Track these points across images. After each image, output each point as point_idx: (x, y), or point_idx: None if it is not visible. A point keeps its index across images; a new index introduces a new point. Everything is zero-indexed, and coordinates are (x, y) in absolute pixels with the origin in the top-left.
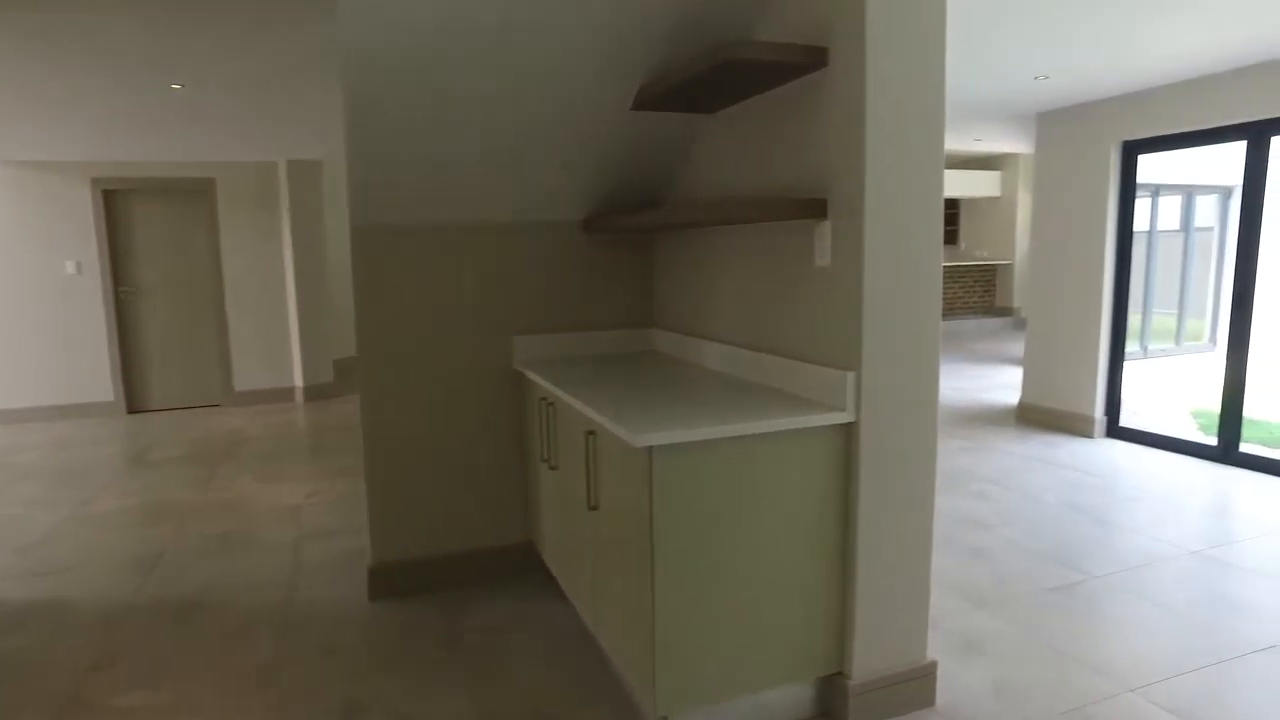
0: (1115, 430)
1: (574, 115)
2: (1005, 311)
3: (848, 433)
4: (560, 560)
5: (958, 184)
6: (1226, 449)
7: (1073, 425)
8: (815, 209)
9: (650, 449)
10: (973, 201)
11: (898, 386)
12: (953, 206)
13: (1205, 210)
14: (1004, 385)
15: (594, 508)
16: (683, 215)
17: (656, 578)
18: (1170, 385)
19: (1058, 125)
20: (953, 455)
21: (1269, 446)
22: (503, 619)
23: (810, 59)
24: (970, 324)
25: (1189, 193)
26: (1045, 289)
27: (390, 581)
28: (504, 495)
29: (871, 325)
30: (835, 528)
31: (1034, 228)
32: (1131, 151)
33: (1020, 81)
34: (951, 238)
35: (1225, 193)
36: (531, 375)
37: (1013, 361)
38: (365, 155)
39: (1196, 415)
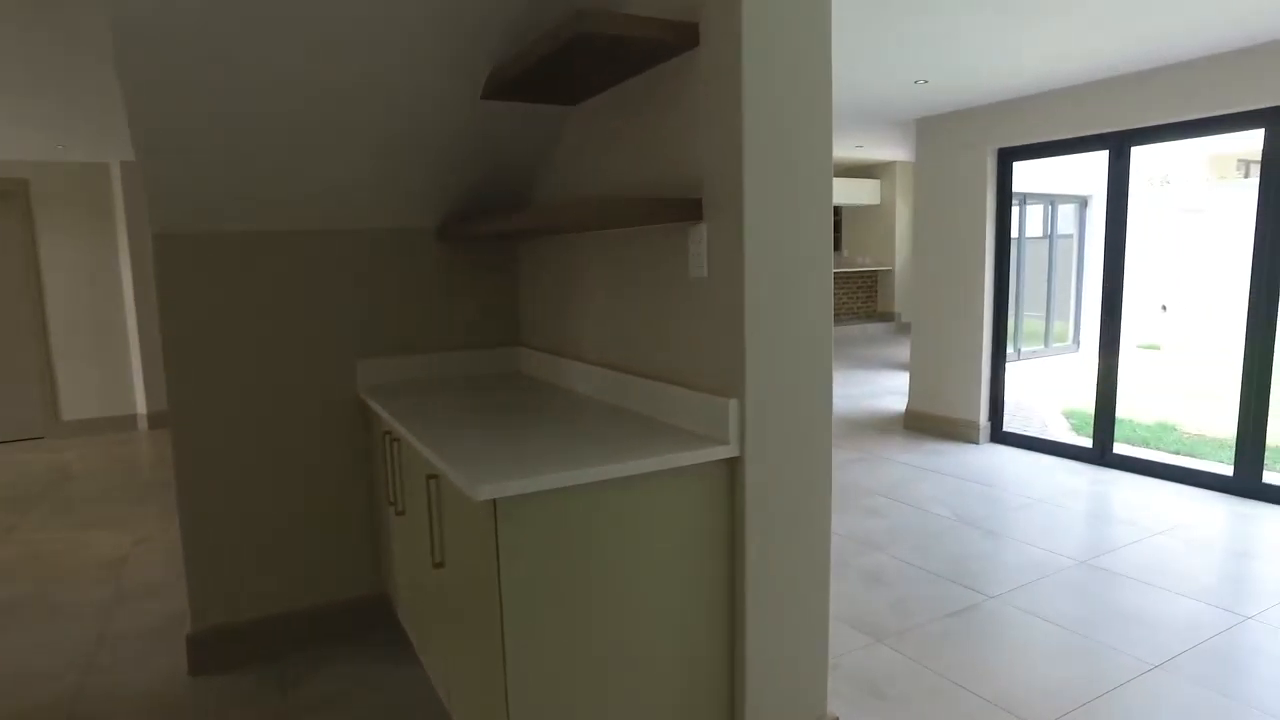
0: (999, 435)
1: (412, 105)
2: (887, 316)
3: (731, 469)
4: (412, 618)
5: (840, 192)
6: (1102, 451)
7: (958, 431)
8: (688, 211)
9: (495, 502)
10: (854, 209)
11: (787, 413)
12: (836, 214)
13: (1066, 218)
14: (890, 391)
15: (439, 565)
16: (535, 220)
17: (508, 648)
18: (1043, 386)
19: (936, 131)
20: (843, 468)
21: (1135, 445)
22: (348, 685)
23: (678, 37)
24: (855, 329)
25: (1051, 201)
26: (928, 296)
27: (216, 651)
28: (352, 542)
29: (755, 345)
30: (720, 579)
31: (915, 234)
32: (1007, 159)
33: (900, 85)
34: (835, 244)
35: (1082, 202)
36: (374, 405)
37: (897, 366)
38: (154, 149)
39: (1069, 416)
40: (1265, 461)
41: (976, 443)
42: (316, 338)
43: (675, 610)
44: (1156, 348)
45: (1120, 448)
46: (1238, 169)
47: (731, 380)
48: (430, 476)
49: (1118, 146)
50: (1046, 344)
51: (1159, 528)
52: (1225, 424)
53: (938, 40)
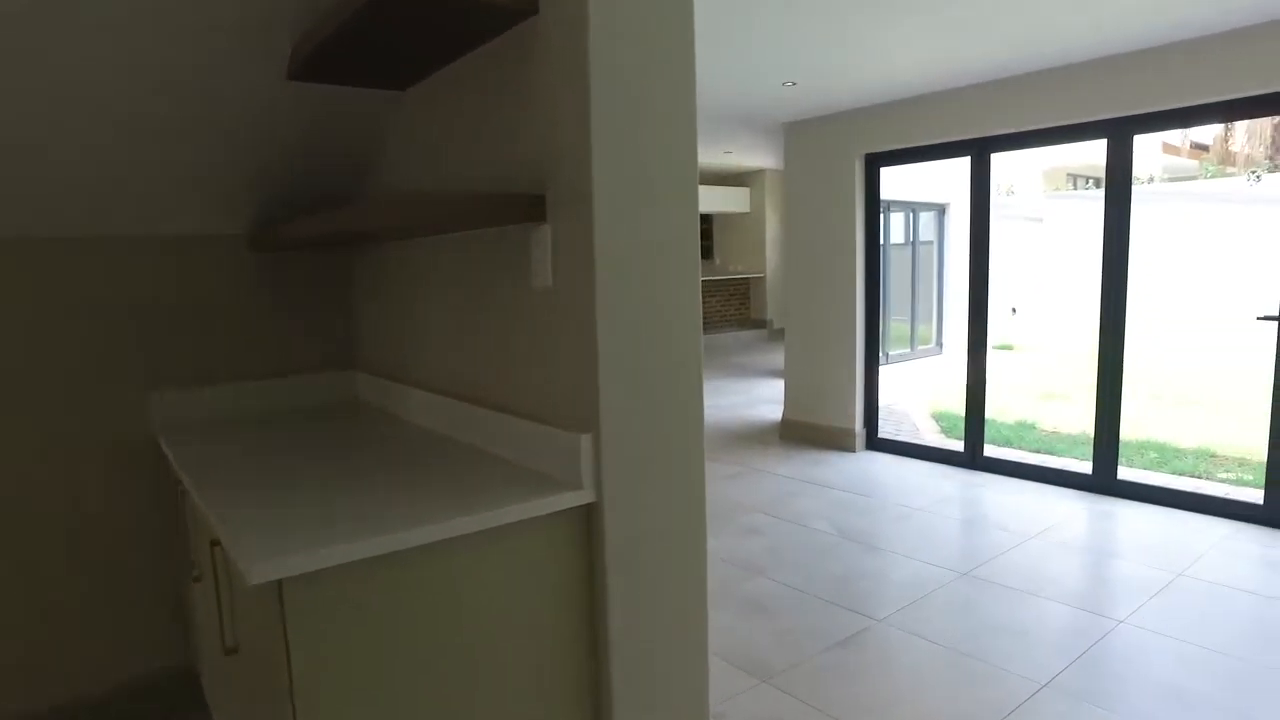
0: (874, 442)
1: (201, 83)
2: (760, 323)
3: (588, 518)
4: (215, 700)
5: (710, 200)
6: (973, 455)
7: (835, 440)
8: (529, 209)
9: (280, 583)
10: (725, 216)
11: (653, 447)
12: (706, 222)
13: (926, 225)
14: (765, 400)
15: (231, 651)
16: (335, 224)
17: None
18: (912, 389)
19: (804, 136)
20: (721, 483)
21: (1000, 445)
22: None
23: (512, 1)
24: (728, 337)
25: (913, 209)
26: (800, 304)
27: None
28: (150, 609)
29: (611, 367)
30: (577, 650)
31: (786, 241)
32: (874, 164)
33: (768, 87)
34: (707, 253)
35: (941, 210)
36: (165, 447)
37: (771, 373)
38: None
39: (938, 418)
40: (1119, 459)
41: (853, 450)
42: (87, 368)
43: (523, 693)
44: (1010, 348)
45: (989, 449)
46: (1068, 182)
47: (584, 411)
48: (214, 543)
49: (979, 152)
50: (912, 347)
51: (1031, 531)
52: (1076, 421)
53: (804, 39)
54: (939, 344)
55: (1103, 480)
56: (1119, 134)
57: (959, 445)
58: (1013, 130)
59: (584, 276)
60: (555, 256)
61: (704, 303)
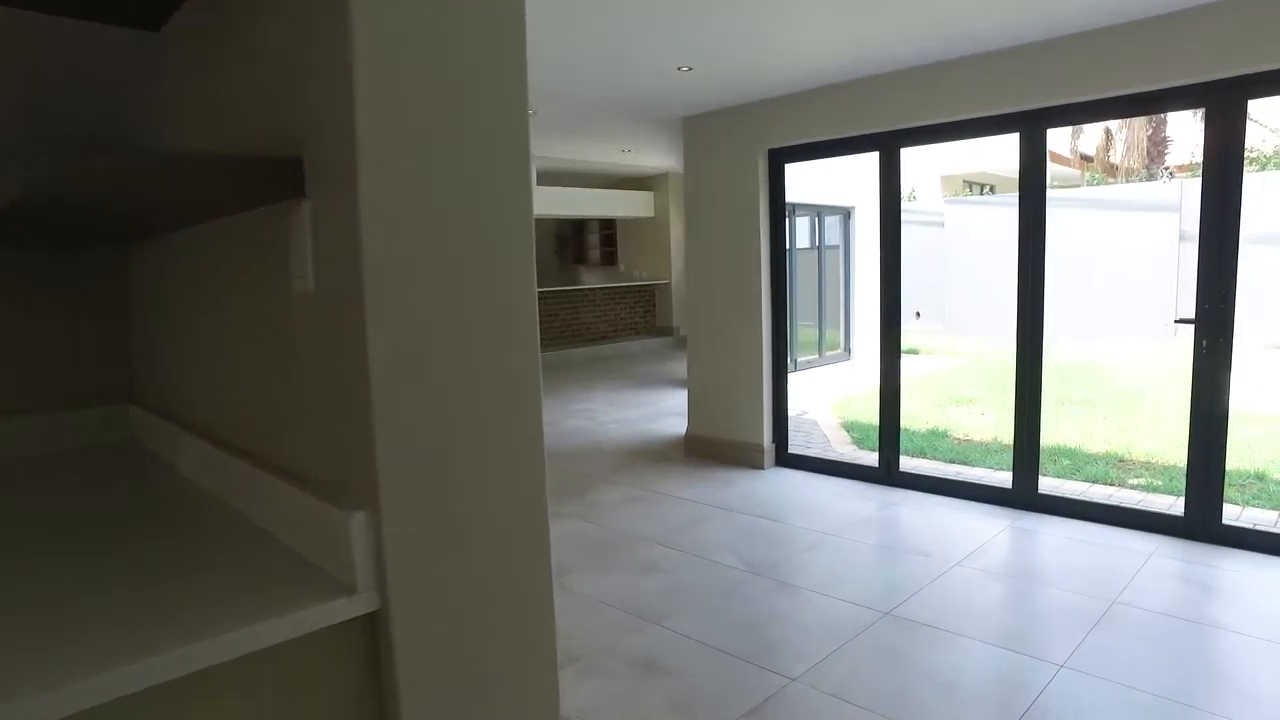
0: (784, 458)
1: None
2: (666, 331)
3: (370, 631)
4: None
5: (614, 203)
6: (888, 469)
7: (742, 456)
8: (279, 179)
9: None
10: (629, 222)
11: (466, 526)
12: (610, 227)
13: (832, 229)
14: (670, 412)
15: None
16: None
17: None
18: (821, 397)
19: (704, 130)
20: (616, 510)
21: (914, 456)
22: None
23: None
24: (634, 345)
25: (818, 213)
26: (702, 311)
27: None
28: None
29: (396, 413)
30: None
31: (687, 243)
32: (778, 160)
33: (661, 72)
34: (611, 259)
35: (846, 213)
36: None
37: (677, 383)
38: None
39: (849, 427)
40: (1040, 471)
41: (762, 468)
42: None
43: None
44: (916, 351)
45: (904, 461)
46: (965, 188)
47: (356, 475)
48: None
49: (889, 147)
50: (821, 353)
51: (954, 556)
52: (987, 427)
53: (696, 16)
54: (847, 350)
55: (1023, 494)
56: (1032, 127)
57: (873, 459)
58: (923, 123)
59: (351, 274)
60: (318, 247)
61: (608, 310)
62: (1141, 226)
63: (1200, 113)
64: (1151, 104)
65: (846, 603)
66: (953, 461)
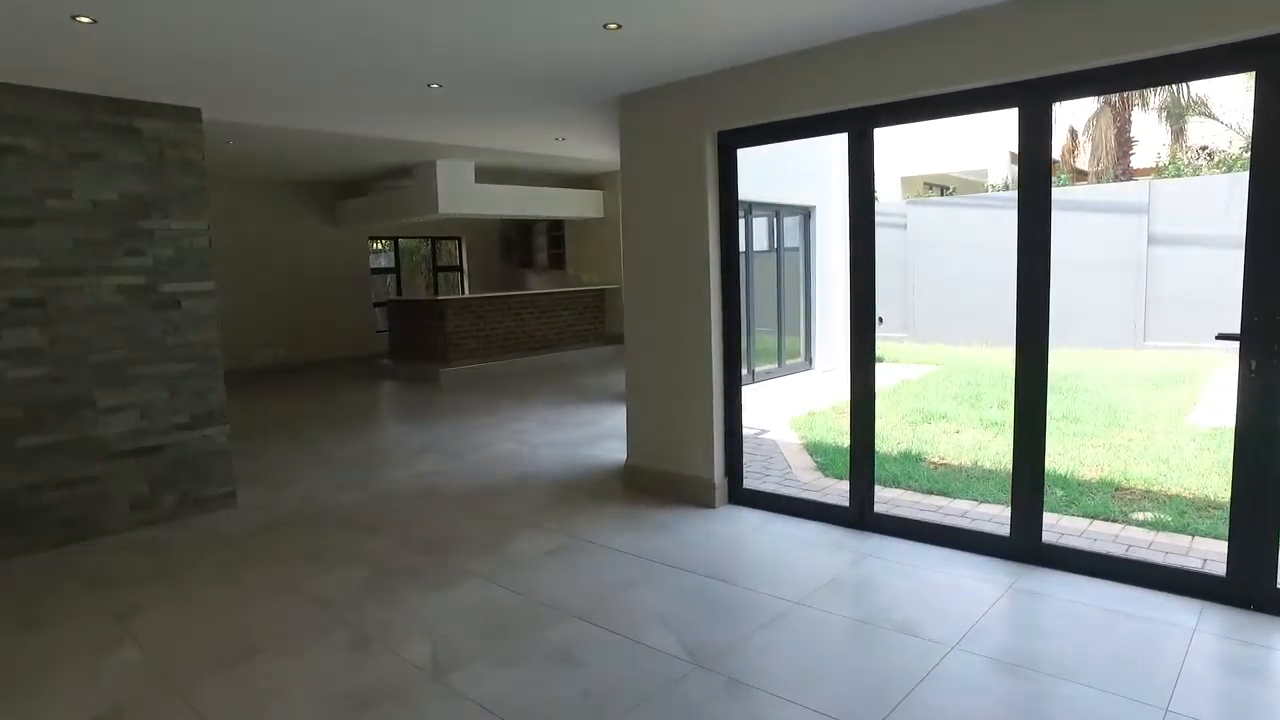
0: (738, 493)
1: None
2: (616, 339)
3: None
4: None
5: (560, 203)
6: (861, 510)
7: (689, 492)
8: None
9: None
10: (577, 223)
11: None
12: (557, 229)
13: (791, 231)
14: (612, 434)
15: None
16: None
17: None
18: (780, 413)
19: (643, 111)
20: (535, 568)
21: (887, 485)
22: None
23: None
24: (580, 355)
25: (776, 213)
26: (642, 320)
27: None
28: None
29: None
30: None
31: (624, 242)
32: (729, 145)
33: (585, 31)
34: (558, 262)
35: (807, 213)
36: None
37: (624, 398)
38: None
39: (813, 450)
40: (1043, 515)
41: (712, 506)
42: None
43: None
44: (880, 359)
45: (880, 495)
46: (926, 190)
47: None
48: None
49: (860, 127)
50: (780, 362)
51: (949, 637)
52: (966, 448)
53: None
54: (808, 359)
55: (1025, 544)
56: (1034, 100)
57: (842, 495)
58: (901, 97)
59: None
60: None
61: (555, 317)
62: (1109, 229)
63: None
64: (1185, 68)
65: (817, 713)
66: (931, 492)
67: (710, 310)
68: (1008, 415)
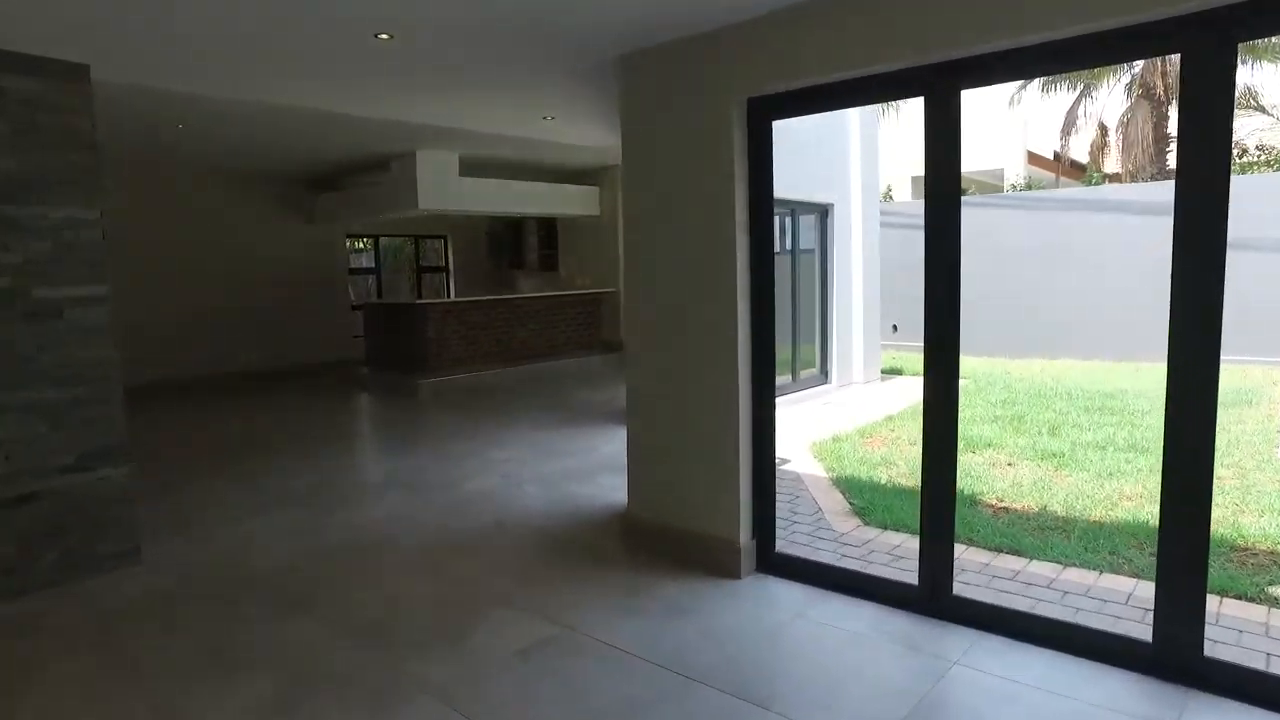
0: (769, 560)
1: None
2: (613, 346)
3: None
4: None
5: (553, 200)
6: (935, 589)
7: (708, 556)
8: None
9: None
10: (571, 221)
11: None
12: (549, 228)
13: (807, 230)
14: (610, 465)
15: None
16: None
17: None
18: (800, 436)
19: (649, 73)
20: (502, 681)
21: (973, 545)
22: None
23: None
24: (572, 364)
25: (791, 210)
26: (649, 336)
27: None
28: None
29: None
30: None
31: (625, 239)
32: (762, 114)
33: None
34: (550, 264)
35: (824, 211)
36: None
37: (622, 417)
38: None
39: (844, 487)
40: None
41: (737, 575)
42: None
43: None
44: (899, 372)
45: (964, 581)
46: None
47: None
48: None
49: (941, 87)
50: (795, 376)
51: None
52: (1022, 486)
53: None
54: (824, 372)
55: (1176, 659)
56: (1209, 40)
57: (897, 558)
58: (1003, 45)
59: None
60: None
61: (547, 323)
62: (1147, 231)
63: None
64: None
65: None
66: (999, 549)
67: (737, 321)
68: (1065, 444)
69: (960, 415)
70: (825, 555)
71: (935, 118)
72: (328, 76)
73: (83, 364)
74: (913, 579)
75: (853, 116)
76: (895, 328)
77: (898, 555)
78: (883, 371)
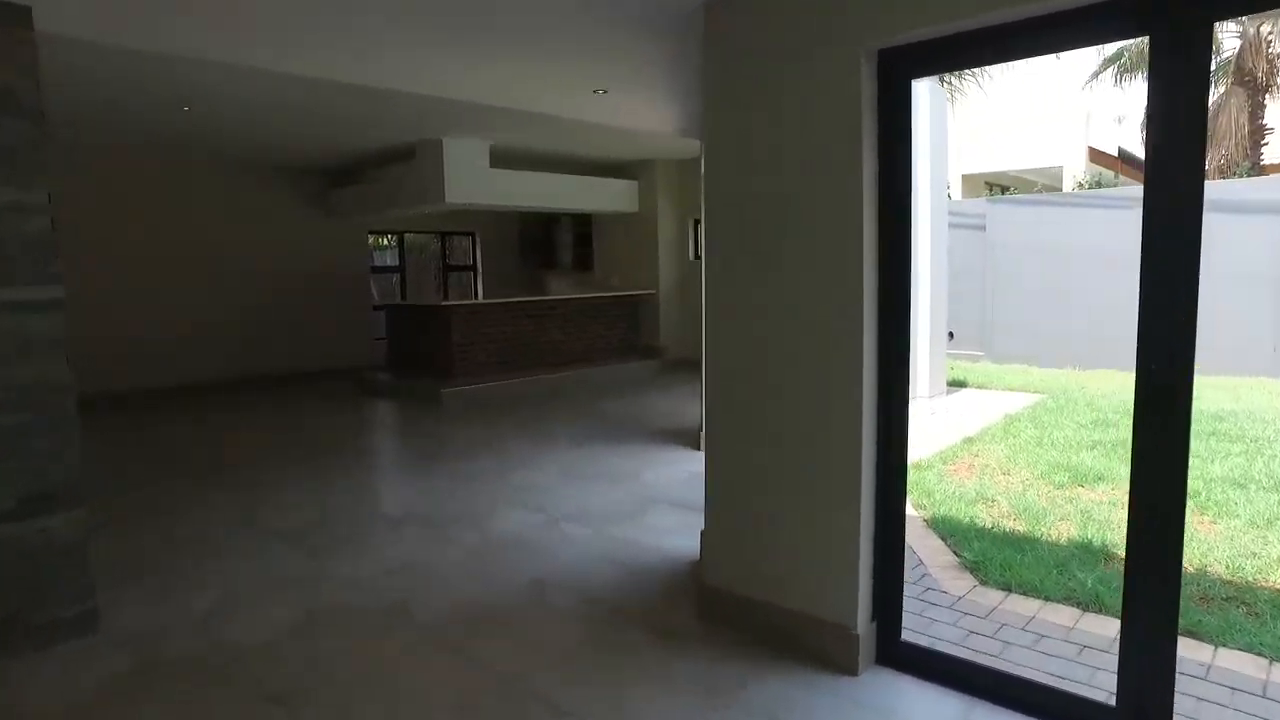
0: (894, 650)
1: None
2: (652, 352)
3: None
4: None
5: (588, 195)
6: (1143, 710)
7: (809, 642)
8: None
9: None
10: (608, 218)
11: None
12: (584, 224)
13: None
14: (664, 499)
15: None
16: None
17: None
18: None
19: (744, 22)
20: None
21: (1084, 607)
22: None
23: None
24: (606, 373)
25: None
26: (735, 351)
27: None
28: None
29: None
30: None
31: (709, 223)
32: (897, 70)
33: None
34: (585, 263)
35: None
36: None
37: (673, 433)
38: None
39: (944, 529)
40: None
41: (853, 672)
42: None
43: None
44: (963, 384)
45: (1076, 637)
46: (986, 190)
47: None
48: None
49: (1182, 22)
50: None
51: None
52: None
53: None
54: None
55: None
56: None
57: (1054, 652)
58: None
59: None
60: None
61: (580, 327)
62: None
63: None
64: None
65: None
66: (1228, 644)
67: (862, 334)
68: (1193, 479)
69: (1052, 439)
70: (944, 630)
71: (1171, 66)
72: (343, 30)
73: (26, 386)
74: (1099, 686)
75: (921, 101)
76: (951, 335)
77: (1038, 633)
78: (949, 383)
